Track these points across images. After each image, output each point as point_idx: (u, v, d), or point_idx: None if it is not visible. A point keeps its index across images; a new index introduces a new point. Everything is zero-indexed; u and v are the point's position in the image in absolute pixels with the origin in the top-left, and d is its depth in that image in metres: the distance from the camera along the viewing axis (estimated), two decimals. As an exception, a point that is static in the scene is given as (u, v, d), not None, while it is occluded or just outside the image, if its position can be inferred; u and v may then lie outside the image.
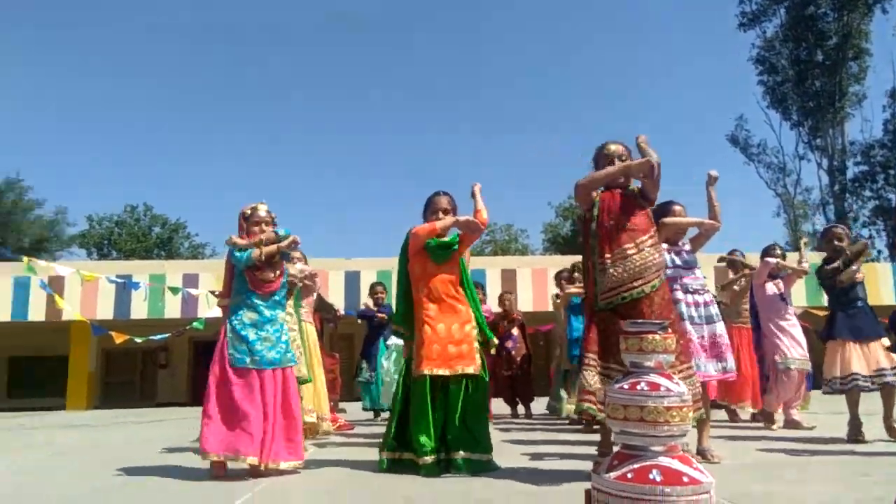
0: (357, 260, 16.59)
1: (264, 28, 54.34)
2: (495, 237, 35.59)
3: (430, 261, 3.89)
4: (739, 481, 3.24)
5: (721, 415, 6.69)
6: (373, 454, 4.50)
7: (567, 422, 6.66)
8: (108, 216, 34.51)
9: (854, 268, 4.81)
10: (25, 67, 48.31)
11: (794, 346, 5.85)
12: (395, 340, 5.88)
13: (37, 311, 15.16)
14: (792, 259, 6.25)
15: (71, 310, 11.42)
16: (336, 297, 13.21)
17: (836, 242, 4.95)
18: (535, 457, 4.30)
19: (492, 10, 56.17)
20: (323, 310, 7.21)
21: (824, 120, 29.11)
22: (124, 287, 11.55)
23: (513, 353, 7.63)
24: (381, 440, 3.89)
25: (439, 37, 56.72)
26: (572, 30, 55.34)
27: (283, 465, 3.66)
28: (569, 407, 6.49)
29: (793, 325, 5.97)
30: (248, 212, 3.98)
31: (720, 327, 4.09)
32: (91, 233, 33.97)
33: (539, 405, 8.10)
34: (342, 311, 10.40)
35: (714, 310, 4.13)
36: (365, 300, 10.58)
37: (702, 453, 3.75)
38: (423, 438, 3.60)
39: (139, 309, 14.89)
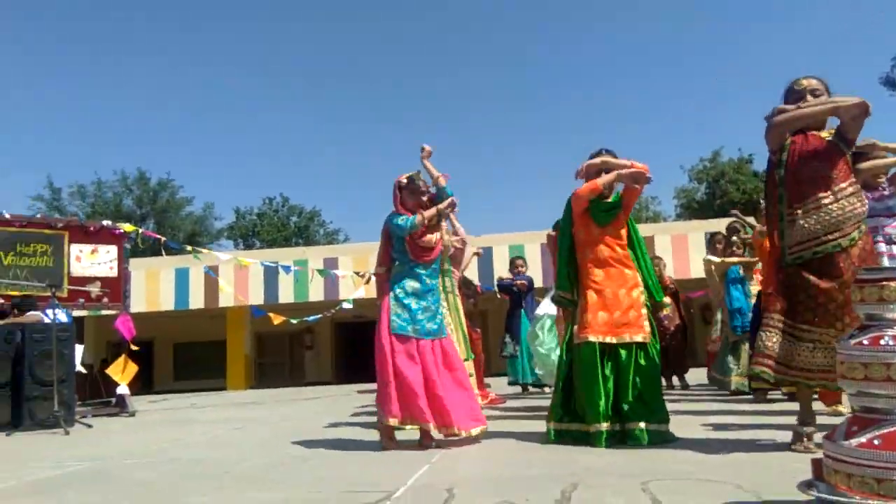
0: (487, 236, 16.58)
1: (396, 14, 55.33)
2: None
3: (594, 223, 3.72)
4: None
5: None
6: (533, 426, 4.44)
7: (729, 394, 6.28)
8: (249, 209, 36.80)
9: None
10: (174, 77, 52.19)
11: None
12: (546, 309, 5.72)
13: (196, 300, 16.39)
14: None
15: (231, 292, 12.17)
16: (469, 275, 13.28)
17: None
18: (716, 427, 4.05)
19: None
20: (463, 286, 7.22)
21: None
22: (274, 268, 12.17)
23: (665, 322, 7.28)
24: (548, 410, 3.78)
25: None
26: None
27: (474, 431, 3.69)
28: (737, 379, 6.09)
29: None
30: (405, 181, 3.98)
31: None
32: (237, 225, 36.34)
33: (695, 375, 7.71)
34: (481, 287, 10.46)
35: None
36: (499, 275, 10.55)
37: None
38: (593, 406, 3.45)
39: (286, 293, 15.73)
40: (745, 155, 31.63)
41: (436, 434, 3.68)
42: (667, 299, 7.38)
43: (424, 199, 3.93)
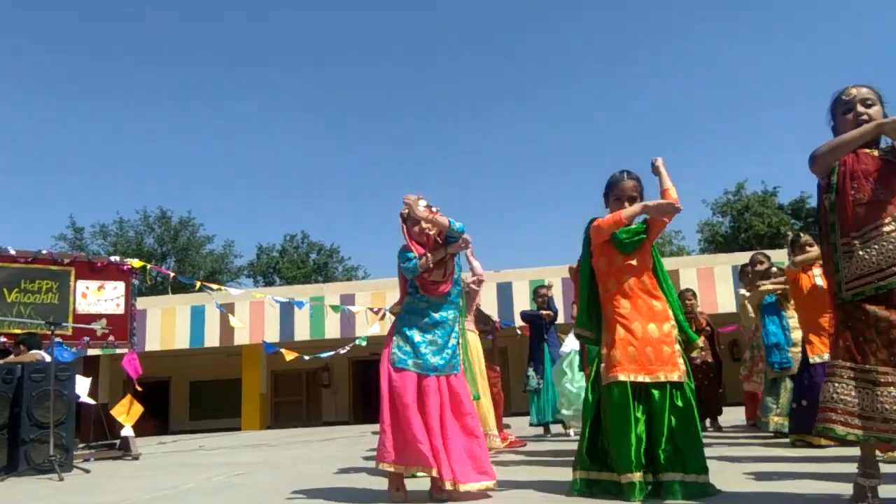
0: (507, 271, 16.24)
1: (418, 49, 56.08)
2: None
3: (617, 251, 3.38)
4: None
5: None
6: (557, 474, 4.06)
7: (772, 435, 5.81)
8: (270, 246, 36.89)
9: None
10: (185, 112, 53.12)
11: None
12: (573, 345, 5.34)
13: (211, 338, 16.18)
14: None
15: (242, 327, 11.93)
16: (488, 310, 12.95)
17: None
18: (758, 476, 3.63)
19: None
20: (481, 321, 6.88)
21: None
22: (289, 305, 11.92)
23: (697, 361, 6.85)
24: (574, 458, 3.39)
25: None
26: None
27: (475, 486, 3.24)
28: (776, 419, 5.64)
29: None
30: (406, 212, 3.68)
31: None
32: (258, 262, 36.41)
33: (726, 416, 7.24)
34: (500, 323, 10.09)
35: None
36: (520, 310, 10.19)
37: None
38: (624, 453, 3.07)
39: (302, 330, 15.46)
40: (770, 188, 31.15)
41: (436, 475, 3.25)
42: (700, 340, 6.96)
43: (429, 227, 3.61)
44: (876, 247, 2.55)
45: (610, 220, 3.34)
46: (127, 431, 7.62)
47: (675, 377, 3.16)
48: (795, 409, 5.12)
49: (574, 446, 5.95)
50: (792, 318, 5.95)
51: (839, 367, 2.59)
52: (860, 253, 2.58)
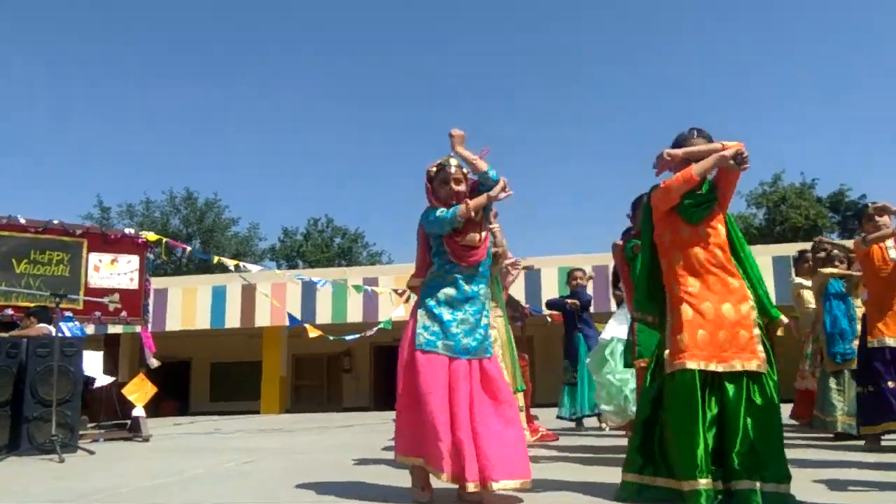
0: (535, 258, 15.70)
1: (445, 37, 55.42)
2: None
3: (683, 222, 2.88)
4: None
5: None
6: (598, 474, 3.60)
7: (832, 437, 5.27)
8: (294, 229, 36.69)
9: None
10: (214, 96, 53.12)
11: None
12: (615, 332, 4.80)
13: (233, 318, 15.91)
14: None
15: (268, 299, 11.56)
16: (515, 295, 12.48)
17: None
18: (831, 485, 3.13)
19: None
20: (510, 307, 6.40)
21: None
22: (311, 286, 11.54)
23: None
24: (625, 457, 2.91)
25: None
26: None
27: (509, 485, 2.74)
28: (843, 419, 5.09)
29: None
30: (435, 169, 3.21)
31: None
32: (282, 246, 36.26)
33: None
34: (529, 309, 9.60)
35: None
36: (547, 298, 9.67)
37: None
38: (689, 456, 2.59)
39: (324, 313, 15.10)
40: (808, 180, 30.12)
41: (445, 481, 2.77)
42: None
43: (462, 188, 3.14)
44: None
45: (679, 178, 2.84)
46: (138, 412, 7.29)
47: (753, 366, 2.67)
48: (860, 396, 4.65)
49: (611, 443, 5.54)
50: (860, 308, 5.40)
51: None
52: None
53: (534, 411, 8.11)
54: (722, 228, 2.91)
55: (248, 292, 14.76)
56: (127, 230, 7.96)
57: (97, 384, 7.75)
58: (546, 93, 54.49)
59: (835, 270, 5.39)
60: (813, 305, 5.81)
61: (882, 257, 4.51)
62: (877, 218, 4.49)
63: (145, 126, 52.22)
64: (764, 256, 14.10)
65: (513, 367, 4.87)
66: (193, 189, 34.23)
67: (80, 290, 7.15)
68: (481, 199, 3.04)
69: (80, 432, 6.25)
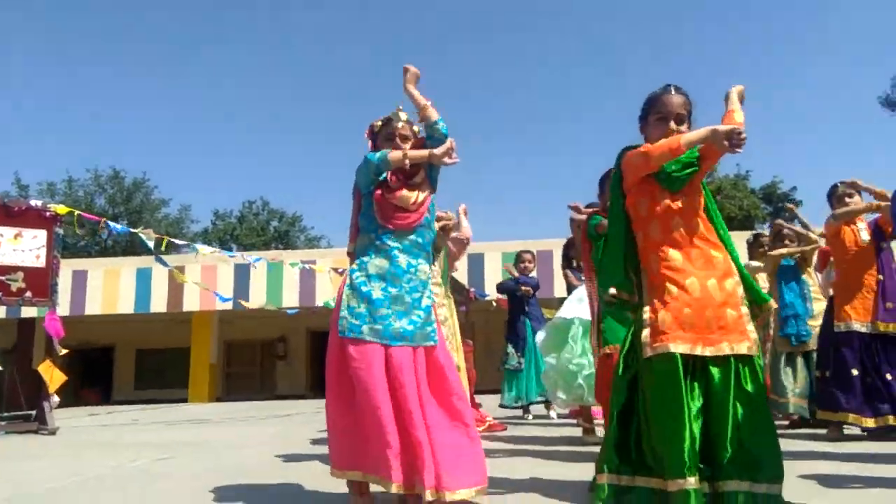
0: (478, 244, 15.39)
1: (386, 27, 54.30)
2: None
3: (661, 188, 2.51)
4: None
5: None
6: (559, 471, 3.26)
7: (787, 423, 5.09)
8: (227, 212, 35.36)
9: None
10: (144, 77, 50.72)
11: None
12: (575, 311, 4.41)
13: (159, 303, 15.00)
14: None
15: (191, 281, 10.85)
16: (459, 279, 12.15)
17: None
18: (822, 481, 2.87)
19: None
20: (454, 291, 6.00)
21: None
22: (245, 270, 10.85)
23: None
24: (598, 455, 2.53)
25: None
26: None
27: (464, 494, 2.31)
28: (796, 401, 4.91)
29: None
30: (380, 123, 2.76)
31: None
32: (214, 229, 34.88)
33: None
34: (475, 293, 9.25)
35: None
36: (496, 281, 9.33)
37: None
38: (674, 452, 2.23)
39: (258, 297, 14.38)
40: (743, 171, 30.82)
41: (395, 491, 2.33)
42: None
43: (408, 147, 2.69)
44: None
45: (664, 146, 2.44)
46: (52, 401, 6.61)
47: (743, 349, 2.32)
48: (819, 381, 4.51)
49: (563, 433, 5.22)
50: (813, 286, 5.24)
51: None
52: None
53: (477, 398, 7.78)
54: (701, 198, 2.56)
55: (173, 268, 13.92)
56: (33, 202, 7.18)
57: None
58: (496, 74, 54.29)
59: (784, 250, 5.26)
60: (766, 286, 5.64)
61: (854, 240, 4.37)
62: (847, 199, 4.36)
63: (73, 103, 49.46)
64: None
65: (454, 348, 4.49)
66: (120, 168, 32.47)
67: (-23, 266, 6.37)
68: (423, 152, 2.59)
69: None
